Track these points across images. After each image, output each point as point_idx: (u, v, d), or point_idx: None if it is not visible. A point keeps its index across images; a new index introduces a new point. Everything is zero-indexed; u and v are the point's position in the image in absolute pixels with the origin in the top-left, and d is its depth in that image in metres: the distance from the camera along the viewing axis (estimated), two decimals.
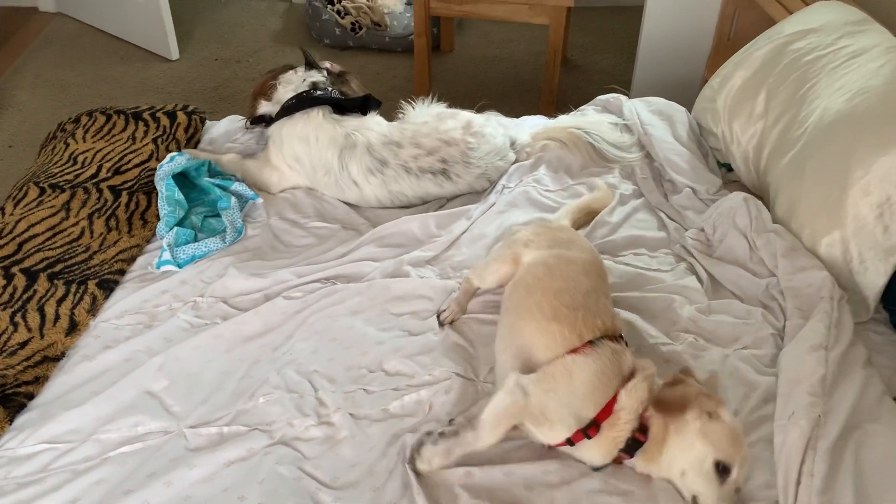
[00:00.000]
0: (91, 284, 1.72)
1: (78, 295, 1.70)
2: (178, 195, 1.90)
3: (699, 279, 1.78)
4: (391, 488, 1.32)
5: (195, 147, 2.25)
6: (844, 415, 1.38)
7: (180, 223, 1.89)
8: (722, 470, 1.22)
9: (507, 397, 1.30)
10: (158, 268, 1.80)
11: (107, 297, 1.72)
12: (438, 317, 1.65)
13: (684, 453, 1.25)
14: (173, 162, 1.94)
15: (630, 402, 1.29)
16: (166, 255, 1.79)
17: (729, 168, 2.19)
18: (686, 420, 1.26)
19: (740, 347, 1.58)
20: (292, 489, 1.32)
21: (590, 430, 1.28)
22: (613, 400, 1.29)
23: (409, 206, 2.06)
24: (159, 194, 1.88)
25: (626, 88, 2.91)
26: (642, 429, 1.29)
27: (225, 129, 2.33)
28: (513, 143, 2.19)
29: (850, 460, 1.31)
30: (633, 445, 1.29)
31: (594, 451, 1.30)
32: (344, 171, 2.00)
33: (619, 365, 1.33)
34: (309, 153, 2.02)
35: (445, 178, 2.02)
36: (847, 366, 1.48)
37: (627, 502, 1.29)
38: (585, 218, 1.94)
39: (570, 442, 1.30)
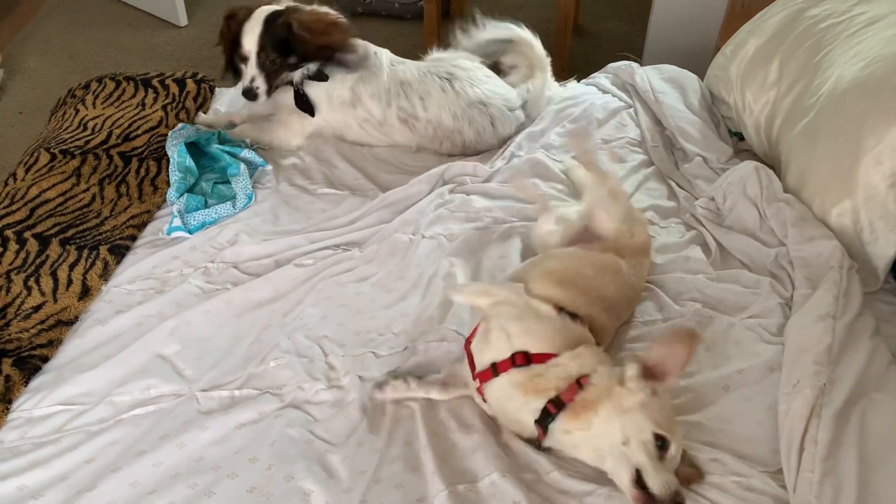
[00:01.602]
0: (103, 250, 1.74)
1: (90, 260, 1.71)
2: (189, 162, 1.90)
3: (707, 248, 1.78)
4: (397, 450, 1.34)
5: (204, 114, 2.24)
6: (850, 384, 1.38)
7: (190, 190, 1.90)
8: (661, 445, 1.18)
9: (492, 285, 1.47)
10: (169, 234, 1.81)
11: (118, 263, 1.74)
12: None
13: (621, 422, 1.21)
14: (184, 131, 1.94)
15: (570, 363, 1.27)
16: (177, 222, 1.80)
17: (741, 137, 2.17)
18: (625, 392, 1.23)
19: (747, 316, 1.58)
20: (302, 451, 1.34)
21: (518, 356, 1.29)
22: (551, 356, 1.29)
23: (415, 118, 2.08)
24: (171, 161, 1.89)
25: (638, 56, 2.87)
26: (558, 403, 1.25)
27: (235, 98, 2.32)
28: (523, 105, 2.20)
29: (854, 429, 1.32)
30: (545, 416, 1.25)
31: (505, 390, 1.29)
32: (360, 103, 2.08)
33: (579, 343, 1.33)
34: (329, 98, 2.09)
35: (450, 84, 2.09)
36: (854, 335, 1.48)
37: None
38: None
39: (493, 370, 1.30)
